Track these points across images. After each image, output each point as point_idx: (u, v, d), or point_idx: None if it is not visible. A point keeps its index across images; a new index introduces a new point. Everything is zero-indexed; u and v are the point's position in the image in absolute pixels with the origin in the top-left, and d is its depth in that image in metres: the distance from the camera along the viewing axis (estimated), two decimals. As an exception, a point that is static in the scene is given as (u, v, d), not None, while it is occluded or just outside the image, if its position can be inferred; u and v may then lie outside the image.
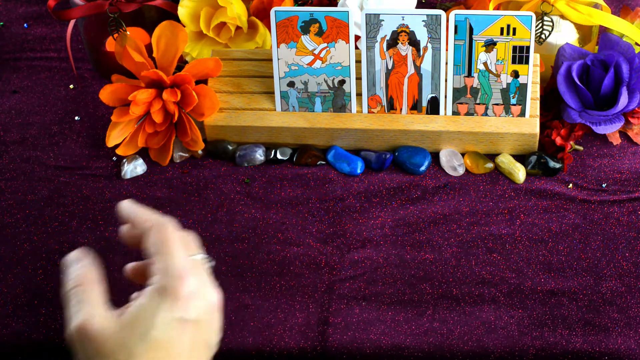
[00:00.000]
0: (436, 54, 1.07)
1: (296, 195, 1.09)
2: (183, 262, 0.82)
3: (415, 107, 1.10)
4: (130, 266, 0.90)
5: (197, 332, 0.81)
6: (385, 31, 1.07)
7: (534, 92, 1.10)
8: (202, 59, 1.11)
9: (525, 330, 0.98)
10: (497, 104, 1.09)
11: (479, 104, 1.10)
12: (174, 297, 0.81)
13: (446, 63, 1.09)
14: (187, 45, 1.18)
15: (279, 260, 1.03)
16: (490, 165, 1.10)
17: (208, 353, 0.83)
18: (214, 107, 1.10)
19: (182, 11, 1.17)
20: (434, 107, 1.10)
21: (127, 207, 0.88)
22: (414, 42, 1.07)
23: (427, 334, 0.99)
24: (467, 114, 1.10)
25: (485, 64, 1.08)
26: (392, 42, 1.07)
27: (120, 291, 1.02)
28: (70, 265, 0.85)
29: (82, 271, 0.84)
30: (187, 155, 1.13)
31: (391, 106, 1.11)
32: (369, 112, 1.11)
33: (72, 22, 1.19)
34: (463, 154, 1.11)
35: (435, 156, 1.11)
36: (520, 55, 1.07)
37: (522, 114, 1.09)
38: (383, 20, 1.06)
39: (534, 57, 1.12)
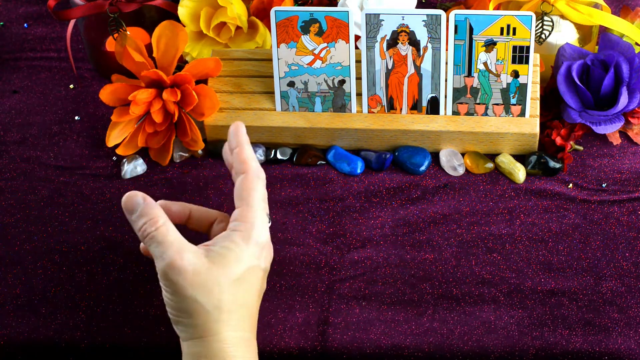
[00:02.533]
0: (436, 53, 1.07)
1: (296, 195, 1.09)
2: (262, 215, 0.93)
3: (415, 107, 1.10)
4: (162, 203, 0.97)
5: (263, 280, 0.93)
6: (385, 31, 1.07)
7: (534, 92, 1.10)
8: (202, 59, 1.11)
9: (525, 330, 0.98)
10: (497, 104, 1.09)
11: (479, 103, 1.10)
12: (255, 246, 0.92)
13: (446, 63, 1.09)
14: (187, 45, 1.18)
15: (279, 260, 1.03)
16: (490, 165, 1.10)
17: (260, 299, 0.94)
18: (214, 107, 1.10)
19: (182, 11, 1.17)
20: (434, 107, 1.10)
21: (239, 132, 0.97)
22: (414, 42, 1.07)
23: (427, 334, 0.99)
24: (467, 114, 1.10)
25: (485, 63, 1.08)
26: (392, 42, 1.07)
27: (121, 291, 1.03)
28: (131, 212, 0.92)
29: (145, 214, 0.91)
30: (187, 155, 1.13)
31: (391, 106, 1.11)
32: (369, 112, 1.11)
33: (72, 22, 1.19)
34: (463, 154, 1.11)
35: (435, 156, 1.11)
36: (520, 55, 1.07)
37: (522, 113, 1.09)
38: (383, 20, 1.06)
39: (534, 57, 1.12)
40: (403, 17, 1.06)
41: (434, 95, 1.10)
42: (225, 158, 1.00)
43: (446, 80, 1.09)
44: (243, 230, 0.92)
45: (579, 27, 1.16)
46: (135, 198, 0.92)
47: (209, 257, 0.90)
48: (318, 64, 1.09)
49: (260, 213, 0.93)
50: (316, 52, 1.09)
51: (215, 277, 0.89)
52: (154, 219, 0.91)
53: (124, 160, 1.12)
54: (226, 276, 0.90)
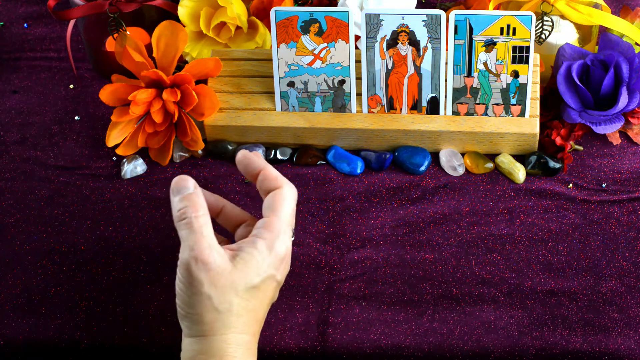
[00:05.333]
0: (436, 54, 1.07)
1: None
2: (287, 229, 0.94)
3: (415, 107, 1.10)
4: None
5: (276, 290, 0.95)
6: (385, 31, 1.07)
7: (534, 92, 1.10)
8: (202, 59, 1.11)
9: (525, 330, 0.98)
10: (497, 104, 1.09)
11: (479, 104, 1.10)
12: (277, 258, 0.92)
13: (446, 63, 1.09)
14: (187, 45, 1.18)
15: (279, 260, 1.03)
16: (490, 165, 1.10)
17: (268, 308, 0.95)
18: (214, 107, 1.10)
19: (182, 11, 1.17)
20: (434, 107, 1.10)
21: (253, 158, 0.98)
22: (414, 42, 1.07)
23: (427, 334, 0.99)
24: (467, 114, 1.10)
25: (485, 64, 1.08)
26: (392, 42, 1.07)
27: (121, 291, 1.03)
28: (176, 194, 0.93)
29: (189, 200, 0.92)
30: (187, 155, 1.13)
31: (391, 106, 1.11)
32: (369, 112, 1.11)
33: (72, 22, 1.19)
34: (463, 154, 1.11)
35: (435, 156, 1.11)
36: (520, 55, 1.07)
37: (522, 113, 1.09)
38: (383, 20, 1.06)
39: (534, 57, 1.12)
40: (403, 17, 1.06)
41: (434, 95, 1.10)
42: (242, 168, 0.99)
43: (446, 80, 1.09)
44: (267, 239, 0.92)
45: (579, 27, 1.17)
46: (186, 182, 0.93)
47: (233, 260, 0.91)
48: (318, 64, 1.09)
49: (286, 226, 0.94)
50: (316, 52, 1.09)
51: (234, 280, 0.90)
52: (197, 206, 0.92)
53: (124, 160, 1.12)
54: (244, 282, 0.90)
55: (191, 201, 0.92)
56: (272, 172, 0.97)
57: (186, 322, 0.91)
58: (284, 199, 0.95)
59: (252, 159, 0.97)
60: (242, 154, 0.98)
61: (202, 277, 0.89)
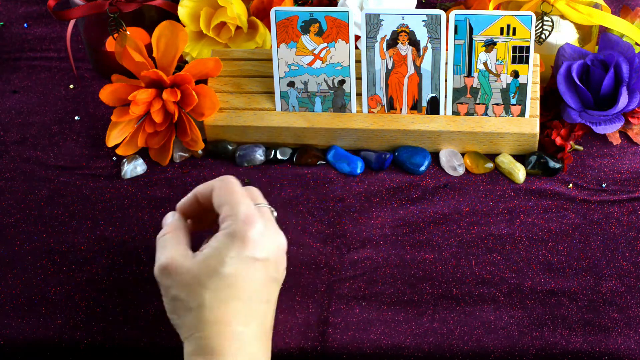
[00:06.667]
0: (436, 54, 1.07)
1: (296, 195, 1.09)
2: (250, 208, 0.93)
3: (415, 107, 1.10)
4: (180, 205, 0.99)
5: (266, 270, 0.92)
6: (385, 31, 1.07)
7: (534, 92, 1.10)
8: (202, 59, 1.11)
9: (525, 330, 0.98)
10: (497, 104, 1.09)
11: (479, 104, 1.10)
12: (242, 239, 0.91)
13: (446, 63, 1.09)
14: (187, 45, 1.18)
15: (279, 260, 1.03)
16: (490, 165, 1.10)
17: (276, 287, 0.95)
18: (214, 107, 1.10)
19: (182, 11, 1.17)
20: (434, 107, 1.10)
21: (180, 203, 0.99)
22: (414, 42, 1.07)
23: (427, 334, 0.99)
24: (467, 114, 1.10)
25: (485, 64, 1.08)
26: (392, 42, 1.07)
27: (121, 291, 1.03)
28: (164, 223, 0.97)
29: (170, 224, 0.96)
30: (187, 155, 1.13)
31: (391, 106, 1.11)
32: (369, 112, 1.11)
33: (72, 22, 1.19)
34: (463, 154, 1.11)
35: (435, 156, 1.11)
36: (520, 55, 1.07)
37: (522, 114, 1.09)
38: (383, 20, 1.06)
39: (534, 57, 1.12)
40: (403, 17, 1.06)
41: (434, 95, 1.10)
42: (183, 210, 0.99)
43: (446, 80, 1.09)
44: (227, 228, 0.92)
45: (579, 27, 1.17)
46: (171, 212, 0.98)
47: (195, 258, 0.92)
48: (318, 64, 1.09)
49: (243, 207, 0.93)
50: (316, 52, 1.09)
51: (196, 275, 0.91)
52: (171, 225, 0.96)
53: (124, 160, 1.12)
54: (207, 274, 0.91)
55: (169, 224, 0.96)
56: (203, 187, 0.97)
57: (177, 329, 0.93)
58: (220, 193, 0.94)
59: (186, 200, 0.98)
60: (178, 207, 0.99)
61: (168, 282, 0.92)
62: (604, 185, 1.08)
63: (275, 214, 0.96)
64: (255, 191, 0.97)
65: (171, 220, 0.97)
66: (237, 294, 0.91)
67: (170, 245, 0.94)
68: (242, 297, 0.91)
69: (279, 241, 0.94)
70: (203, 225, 0.99)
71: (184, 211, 0.98)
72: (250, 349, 0.91)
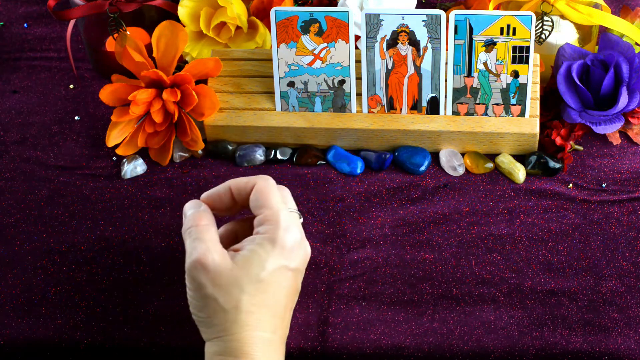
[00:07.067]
0: (436, 54, 1.07)
1: (296, 196, 1.09)
2: (290, 217, 0.94)
3: (415, 107, 1.10)
4: (208, 194, 0.98)
5: (294, 279, 0.94)
6: (385, 31, 1.07)
7: (534, 92, 1.10)
8: (202, 59, 1.11)
9: (525, 330, 0.98)
10: (497, 104, 1.09)
11: (479, 104, 1.10)
12: (282, 247, 0.92)
13: (446, 63, 1.09)
14: (187, 45, 1.18)
15: (279, 260, 1.03)
16: (490, 165, 1.10)
17: (296, 297, 0.96)
18: (214, 107, 1.10)
19: (182, 11, 1.17)
20: (434, 107, 1.10)
21: (209, 193, 0.97)
22: (414, 42, 1.07)
23: (427, 334, 0.99)
24: (467, 114, 1.10)
25: (485, 64, 1.08)
26: (392, 42, 1.07)
27: (121, 291, 1.03)
28: (187, 211, 0.95)
29: (197, 214, 0.94)
30: (187, 155, 1.13)
31: (391, 106, 1.11)
32: (369, 112, 1.11)
33: (72, 22, 1.19)
34: (463, 154, 1.11)
35: (435, 156, 1.11)
36: (520, 55, 1.07)
37: (522, 113, 1.09)
38: (383, 20, 1.06)
39: (534, 57, 1.12)
40: (403, 17, 1.06)
41: (434, 95, 1.10)
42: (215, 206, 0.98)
43: (446, 80, 1.09)
44: (268, 232, 0.92)
45: (579, 27, 1.17)
46: (196, 203, 0.96)
47: (234, 259, 0.91)
48: (318, 64, 1.09)
49: (284, 214, 0.93)
50: (316, 52, 1.09)
51: (236, 278, 0.90)
52: (200, 217, 0.94)
53: (124, 160, 1.12)
54: (247, 278, 0.90)
55: (196, 215, 0.94)
56: (239, 180, 0.96)
57: (201, 327, 0.92)
58: (262, 191, 0.94)
59: (216, 191, 0.97)
60: (205, 196, 0.98)
61: (204, 279, 0.90)
62: (604, 185, 1.08)
63: (301, 220, 0.97)
64: (287, 194, 0.97)
65: (199, 210, 0.95)
66: (269, 301, 0.91)
67: (206, 239, 0.92)
68: (273, 304, 0.92)
69: (307, 251, 0.95)
70: (220, 213, 0.98)
71: (211, 201, 0.97)
72: (276, 356, 0.91)
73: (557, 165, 1.09)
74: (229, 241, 0.97)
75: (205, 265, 0.90)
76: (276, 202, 0.94)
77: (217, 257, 0.91)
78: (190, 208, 0.96)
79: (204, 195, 0.97)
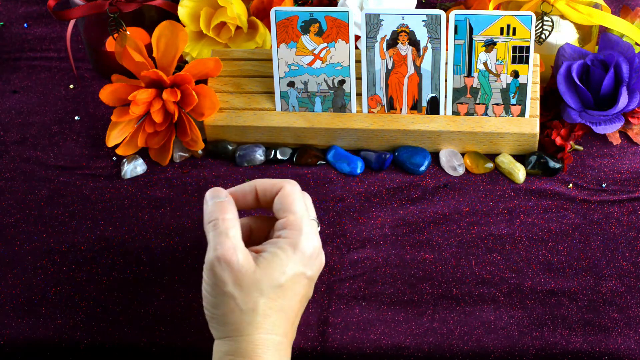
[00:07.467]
0: (436, 54, 1.07)
1: (296, 195, 1.09)
2: (309, 223, 0.94)
3: (415, 107, 1.10)
4: (232, 190, 0.97)
5: (309, 287, 0.94)
6: (385, 31, 1.07)
7: (534, 92, 1.10)
8: (202, 59, 1.11)
9: (525, 330, 0.98)
10: (497, 104, 1.09)
11: (479, 104, 1.10)
12: (302, 254, 0.92)
13: (446, 63, 1.09)
14: (187, 45, 1.18)
15: (279, 260, 1.03)
16: (490, 165, 1.10)
17: (306, 304, 0.96)
18: (214, 107, 1.10)
19: (182, 11, 1.17)
20: (434, 107, 1.10)
21: (234, 189, 0.97)
22: (414, 42, 1.07)
23: (427, 334, 0.99)
24: (467, 114, 1.10)
25: (485, 64, 1.08)
26: (392, 42, 1.07)
27: (121, 291, 1.03)
28: (209, 199, 0.94)
29: (222, 205, 0.93)
30: (187, 155, 1.13)
31: (391, 106, 1.11)
32: (369, 112, 1.11)
33: (72, 22, 1.19)
34: (463, 154, 1.11)
35: (435, 156, 1.11)
36: (520, 55, 1.07)
37: (522, 113, 1.09)
38: (383, 20, 1.06)
39: (534, 57, 1.12)
40: (403, 17, 1.06)
41: (434, 95, 1.10)
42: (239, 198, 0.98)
43: (446, 80, 1.09)
44: (289, 237, 0.92)
45: (579, 27, 1.17)
46: (219, 192, 0.95)
47: (256, 261, 0.91)
48: (318, 64, 1.10)
49: (307, 221, 0.94)
50: (316, 52, 1.09)
51: (257, 280, 0.90)
52: (225, 210, 0.93)
53: (124, 160, 1.12)
54: (268, 281, 0.90)
55: (221, 206, 0.93)
56: (265, 181, 0.96)
57: (213, 324, 0.92)
58: (289, 196, 0.94)
59: (241, 189, 0.97)
60: (230, 191, 0.97)
61: (226, 276, 0.90)
62: (604, 185, 1.08)
63: (319, 228, 0.97)
64: (309, 201, 0.97)
65: (223, 200, 0.94)
66: (285, 305, 0.92)
67: (231, 236, 0.91)
68: (288, 309, 0.92)
69: (322, 261, 0.96)
70: (238, 208, 0.97)
71: (234, 197, 0.96)
72: (285, 358, 0.92)
73: (557, 165, 1.09)
74: (243, 236, 0.96)
75: (230, 263, 0.90)
76: (300, 208, 0.94)
77: (241, 257, 0.90)
78: (213, 197, 0.94)
79: (228, 190, 0.96)
